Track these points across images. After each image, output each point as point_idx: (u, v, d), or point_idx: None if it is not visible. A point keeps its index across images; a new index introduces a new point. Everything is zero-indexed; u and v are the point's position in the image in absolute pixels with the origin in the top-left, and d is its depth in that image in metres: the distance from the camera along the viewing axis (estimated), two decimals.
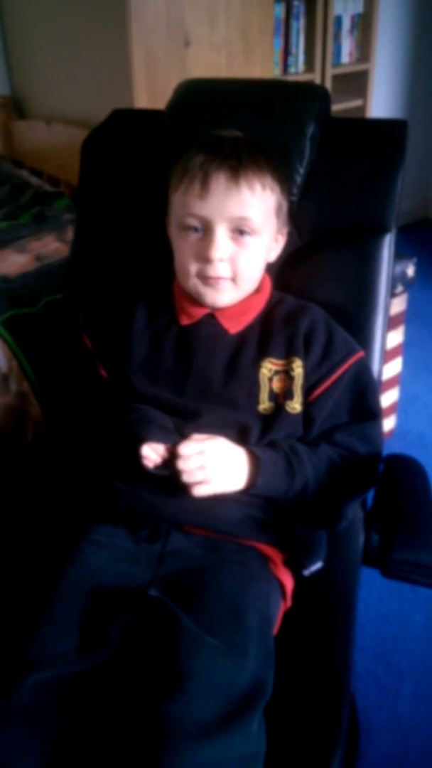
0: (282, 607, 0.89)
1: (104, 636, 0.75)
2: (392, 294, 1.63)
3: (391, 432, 2.01)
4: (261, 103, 1.12)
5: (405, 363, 1.95)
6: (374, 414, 0.95)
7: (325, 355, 0.93)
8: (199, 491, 0.81)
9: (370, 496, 0.97)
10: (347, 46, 2.63)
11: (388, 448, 0.97)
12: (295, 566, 0.90)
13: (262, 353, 0.93)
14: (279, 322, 0.95)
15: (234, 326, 0.95)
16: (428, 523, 0.88)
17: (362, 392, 0.95)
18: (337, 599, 0.93)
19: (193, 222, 0.89)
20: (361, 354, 0.96)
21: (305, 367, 0.92)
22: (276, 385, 0.91)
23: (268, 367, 0.92)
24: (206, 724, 0.67)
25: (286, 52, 2.44)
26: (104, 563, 0.83)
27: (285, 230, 0.99)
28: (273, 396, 0.91)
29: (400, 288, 1.78)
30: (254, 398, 0.90)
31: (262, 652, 0.76)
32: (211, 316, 0.95)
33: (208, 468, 0.81)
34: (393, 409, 1.98)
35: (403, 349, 1.92)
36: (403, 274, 1.77)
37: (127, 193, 1.18)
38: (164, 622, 0.75)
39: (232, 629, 0.76)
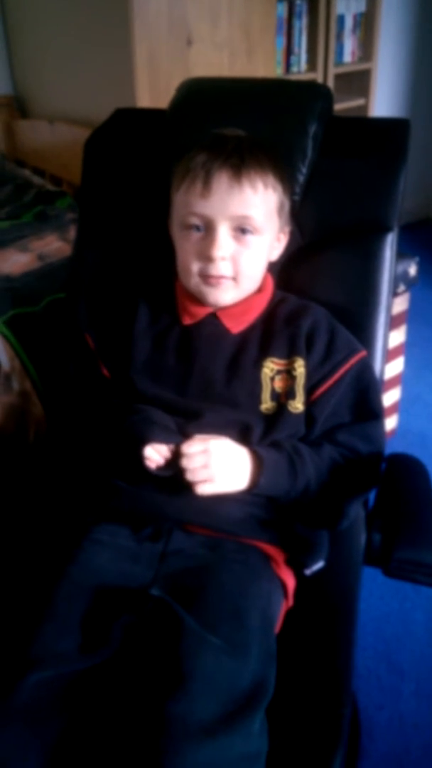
0: (284, 606, 0.89)
1: (106, 635, 0.75)
2: (394, 293, 1.63)
3: (393, 431, 2.00)
4: (263, 102, 1.12)
5: (407, 362, 1.95)
6: (376, 413, 0.95)
7: (327, 355, 0.93)
8: (203, 490, 0.81)
9: (371, 495, 0.97)
10: (350, 45, 2.63)
11: (390, 448, 0.97)
12: (296, 565, 0.90)
13: (264, 353, 0.93)
14: (281, 322, 0.95)
15: (236, 326, 0.95)
16: (430, 522, 0.88)
17: (364, 392, 0.94)
18: (339, 598, 0.93)
19: (195, 221, 0.89)
20: (363, 353, 0.96)
21: (307, 366, 0.92)
22: (278, 384, 0.91)
23: (270, 367, 0.92)
24: (208, 724, 0.68)
25: (289, 51, 2.44)
26: (106, 562, 0.84)
27: (287, 229, 0.99)
28: (275, 396, 0.91)
29: (402, 287, 1.78)
30: (256, 398, 0.91)
31: (263, 652, 0.77)
32: (214, 316, 0.95)
33: (212, 467, 0.81)
34: (395, 408, 1.98)
35: (405, 348, 1.92)
36: (405, 273, 1.77)
37: (130, 193, 1.18)
38: (166, 621, 0.75)
39: (234, 628, 0.76)
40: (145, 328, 0.96)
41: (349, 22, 2.58)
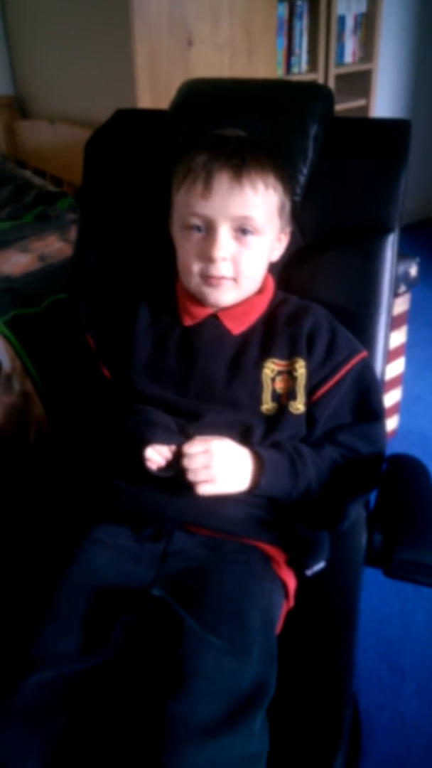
0: (285, 606, 0.89)
1: (107, 635, 0.75)
2: (395, 294, 1.63)
3: (394, 432, 2.00)
4: (264, 103, 1.12)
5: (408, 363, 1.95)
6: (377, 414, 0.95)
7: (328, 355, 0.93)
8: (204, 490, 0.81)
9: (372, 495, 0.97)
10: (350, 45, 2.63)
11: (391, 448, 0.97)
12: (297, 566, 0.90)
13: (265, 354, 0.93)
14: (282, 323, 0.95)
15: (237, 327, 0.95)
16: (431, 523, 0.88)
17: (365, 392, 0.94)
18: (340, 599, 0.93)
19: (196, 221, 0.89)
20: (364, 354, 0.96)
21: (308, 367, 0.92)
22: (279, 385, 0.91)
23: (271, 368, 0.92)
24: (209, 724, 0.68)
25: (290, 51, 2.44)
26: (107, 562, 0.84)
27: (288, 230, 0.99)
28: (276, 396, 0.91)
29: (403, 288, 1.78)
30: (257, 399, 0.91)
31: (264, 652, 0.77)
32: (214, 317, 0.95)
33: (213, 467, 0.81)
34: (396, 409, 1.98)
35: (406, 349, 1.92)
36: (406, 273, 1.77)
37: (131, 193, 1.18)
38: (167, 621, 0.75)
39: (235, 629, 0.76)
40: (146, 329, 0.96)
41: (349, 23, 2.58)
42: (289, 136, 1.06)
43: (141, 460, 0.83)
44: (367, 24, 2.63)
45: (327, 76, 2.52)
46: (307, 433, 0.92)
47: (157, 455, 0.83)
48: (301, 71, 2.49)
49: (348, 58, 2.64)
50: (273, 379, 0.91)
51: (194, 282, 0.92)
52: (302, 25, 2.42)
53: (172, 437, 0.85)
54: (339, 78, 2.59)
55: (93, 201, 1.23)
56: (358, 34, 2.64)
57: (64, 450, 1.10)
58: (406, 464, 0.99)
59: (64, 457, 1.08)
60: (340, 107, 2.45)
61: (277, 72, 2.33)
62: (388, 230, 1.07)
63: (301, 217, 1.08)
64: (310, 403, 0.92)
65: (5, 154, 2.50)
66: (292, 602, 0.90)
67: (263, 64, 2.10)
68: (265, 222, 0.90)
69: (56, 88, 2.32)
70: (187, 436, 0.85)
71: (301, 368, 0.91)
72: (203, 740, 0.67)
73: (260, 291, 0.97)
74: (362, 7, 2.60)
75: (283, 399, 0.91)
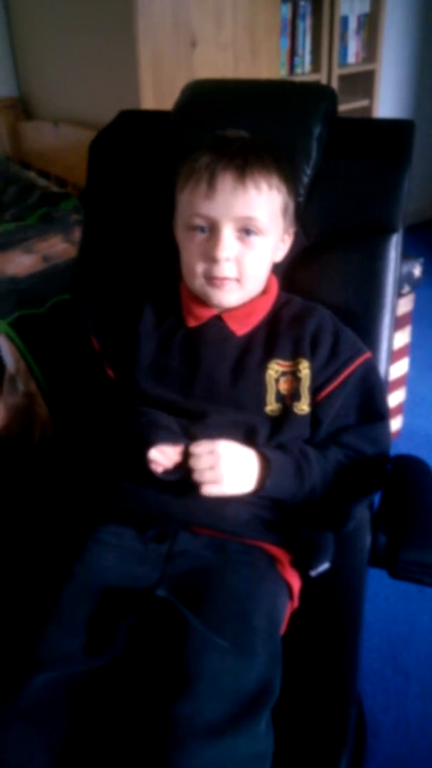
0: (289, 607, 0.89)
1: (111, 636, 0.75)
2: (399, 294, 1.63)
3: (398, 432, 2.00)
4: (268, 103, 1.12)
5: (411, 363, 1.95)
6: (382, 415, 0.95)
7: (332, 356, 0.93)
8: (209, 491, 0.81)
9: (377, 496, 0.97)
10: (354, 46, 2.63)
11: (395, 449, 0.97)
12: (302, 567, 0.90)
13: (269, 355, 0.93)
14: (285, 324, 0.95)
15: (241, 328, 0.95)
16: None
17: (370, 393, 0.94)
18: (344, 600, 0.92)
19: (200, 222, 0.89)
20: (368, 355, 0.96)
21: (312, 368, 0.92)
22: (283, 386, 0.91)
23: (275, 369, 0.92)
24: (214, 725, 0.68)
25: (293, 52, 2.44)
26: (112, 563, 0.84)
27: (291, 230, 0.99)
28: (280, 397, 0.91)
29: (406, 288, 1.78)
30: (261, 400, 0.91)
31: (269, 653, 0.77)
32: (218, 318, 0.95)
33: (219, 468, 0.81)
34: (400, 409, 1.98)
35: (410, 349, 1.91)
36: (410, 274, 1.77)
37: (135, 194, 1.18)
38: (172, 622, 0.75)
39: (239, 629, 0.76)
40: (150, 330, 0.97)
41: (353, 23, 2.58)
42: (292, 136, 1.06)
43: (145, 462, 0.83)
44: (370, 24, 2.63)
45: (330, 76, 2.52)
46: (311, 433, 0.92)
47: (161, 456, 0.83)
48: (304, 72, 2.49)
49: (351, 58, 2.64)
50: (277, 380, 0.91)
51: (198, 283, 0.92)
52: (305, 25, 2.42)
53: (176, 439, 0.85)
54: (342, 78, 2.59)
55: (97, 202, 1.23)
56: (362, 34, 2.64)
57: (69, 451, 1.11)
58: (411, 465, 0.98)
59: (68, 458, 1.08)
60: (343, 108, 2.45)
61: (280, 72, 2.33)
62: (391, 230, 1.07)
63: (305, 217, 1.08)
64: (314, 404, 0.92)
65: (9, 155, 2.50)
66: (296, 603, 0.90)
67: (266, 65, 2.10)
68: (268, 222, 0.90)
69: (60, 89, 2.32)
70: (191, 438, 0.85)
71: (305, 369, 0.91)
72: (208, 740, 0.67)
73: (264, 292, 0.97)
74: (365, 8, 2.60)
75: (288, 400, 0.91)
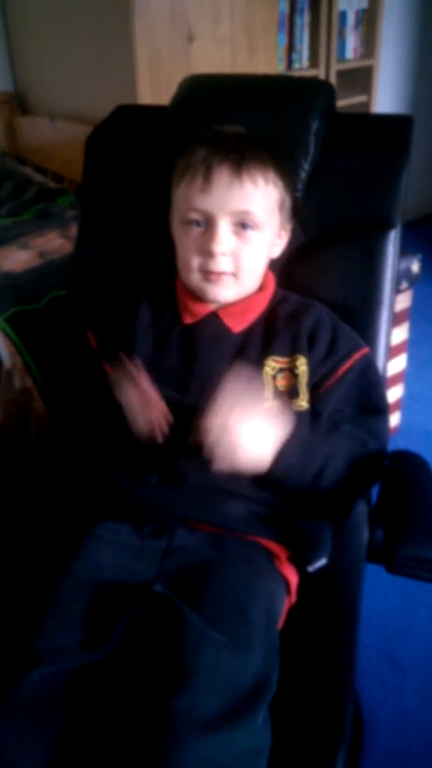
0: (287, 602, 0.89)
1: (108, 631, 0.75)
2: (397, 290, 1.63)
3: (396, 429, 2.00)
4: (265, 98, 1.12)
5: (409, 360, 1.95)
6: (380, 409, 0.95)
7: (330, 352, 0.93)
8: (220, 465, 0.78)
9: (374, 492, 0.97)
10: (352, 41, 2.62)
11: (393, 445, 0.97)
12: (299, 562, 0.90)
13: (266, 352, 0.92)
14: (282, 320, 0.94)
15: (237, 325, 0.94)
16: None
17: (368, 388, 0.94)
18: (342, 595, 0.92)
19: (196, 216, 0.89)
20: (366, 350, 0.96)
21: (309, 364, 0.92)
22: (280, 383, 0.91)
23: (272, 366, 0.92)
24: (211, 719, 0.68)
25: (291, 47, 2.43)
26: (109, 559, 0.84)
27: (288, 227, 0.99)
28: (278, 394, 0.91)
29: (404, 284, 1.78)
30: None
31: (266, 648, 0.77)
32: (215, 315, 0.95)
33: (232, 443, 0.77)
34: (398, 405, 1.98)
35: (408, 345, 1.91)
36: (408, 270, 1.77)
37: (131, 190, 1.18)
38: (169, 617, 0.75)
39: (237, 624, 0.76)
40: (147, 327, 0.96)
41: (351, 19, 2.58)
42: (290, 131, 1.06)
43: (132, 426, 0.82)
44: (369, 20, 2.63)
45: (328, 72, 2.52)
46: (311, 430, 0.92)
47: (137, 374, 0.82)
48: (302, 67, 2.49)
49: (349, 54, 2.64)
50: (274, 377, 0.91)
51: (194, 277, 0.91)
52: (303, 20, 2.42)
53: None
54: (340, 74, 2.59)
55: (93, 197, 1.23)
56: (360, 30, 2.63)
57: (65, 447, 1.10)
58: (408, 460, 0.98)
59: (64, 454, 1.08)
60: (341, 103, 2.43)
61: (278, 68, 2.33)
62: (389, 226, 1.06)
63: (303, 213, 1.07)
64: (313, 400, 0.92)
65: (5, 150, 2.49)
66: (294, 598, 0.90)
67: (264, 60, 2.10)
68: (265, 217, 0.89)
69: (56, 84, 2.31)
70: (192, 433, 0.84)
71: (302, 365, 0.91)
72: (205, 735, 0.67)
73: (260, 288, 0.96)
74: (363, 3, 2.59)
75: (286, 397, 0.91)
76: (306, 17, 2.42)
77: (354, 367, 0.93)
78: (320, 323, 0.94)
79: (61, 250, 1.64)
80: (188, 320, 0.95)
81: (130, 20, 1.79)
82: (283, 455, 0.82)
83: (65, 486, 0.98)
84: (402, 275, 1.74)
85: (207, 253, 0.88)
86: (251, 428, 0.79)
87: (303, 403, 0.91)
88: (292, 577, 0.90)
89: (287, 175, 0.95)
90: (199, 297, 0.94)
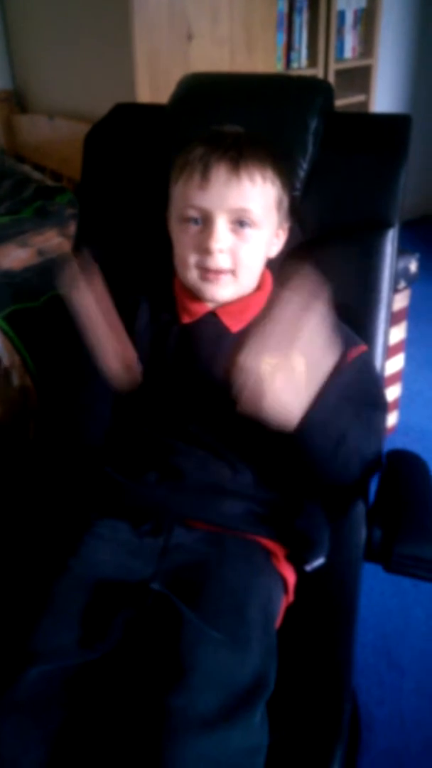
0: (284, 601, 0.89)
1: (106, 629, 0.75)
2: (395, 290, 1.63)
3: (394, 428, 2.01)
4: (264, 97, 1.12)
5: (407, 359, 1.95)
6: (378, 404, 0.94)
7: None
8: (245, 408, 0.75)
9: (372, 491, 0.98)
10: (350, 41, 2.62)
11: (390, 444, 0.97)
12: (297, 561, 0.90)
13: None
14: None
15: (235, 324, 0.94)
16: (430, 518, 0.88)
17: (366, 384, 0.94)
18: (339, 594, 0.93)
19: (193, 213, 0.88)
20: (363, 348, 0.96)
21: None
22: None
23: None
24: (208, 717, 0.68)
25: (289, 47, 2.43)
26: (107, 556, 0.84)
27: (286, 226, 0.99)
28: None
29: (402, 284, 1.78)
30: None
31: (264, 646, 0.77)
32: (213, 314, 0.94)
33: (262, 389, 0.74)
34: (395, 404, 1.99)
35: (406, 345, 1.92)
36: (406, 269, 1.77)
37: (130, 188, 1.18)
38: (167, 615, 0.75)
39: (234, 623, 0.76)
40: (145, 326, 0.96)
41: (349, 18, 2.58)
42: (288, 130, 1.06)
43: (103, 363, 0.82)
44: (367, 19, 2.63)
45: (327, 71, 2.52)
46: None
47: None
48: (300, 66, 2.49)
49: (348, 53, 2.64)
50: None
51: (191, 275, 0.91)
52: (302, 20, 2.42)
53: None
54: (339, 73, 2.58)
55: (92, 196, 1.23)
56: (358, 29, 2.63)
57: (62, 445, 1.10)
58: (406, 460, 0.99)
59: (61, 453, 1.08)
60: (339, 103, 2.44)
61: (276, 67, 2.33)
62: (387, 225, 1.06)
63: (301, 212, 1.07)
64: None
65: (4, 148, 2.49)
66: (291, 597, 0.90)
67: (263, 59, 2.10)
68: (262, 215, 0.89)
69: (55, 83, 2.31)
70: (189, 435, 0.84)
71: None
72: (202, 732, 0.67)
73: (258, 288, 0.96)
74: (362, 3, 2.59)
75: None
76: (305, 16, 2.42)
77: (352, 363, 0.93)
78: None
79: (59, 248, 1.64)
80: (186, 320, 0.95)
81: (129, 19, 1.79)
82: (309, 410, 0.77)
83: (63, 484, 0.98)
84: (400, 275, 1.74)
85: (204, 251, 0.88)
86: (284, 377, 0.75)
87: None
88: (290, 576, 0.90)
89: (285, 173, 0.95)
90: (197, 296, 0.94)
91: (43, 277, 1.51)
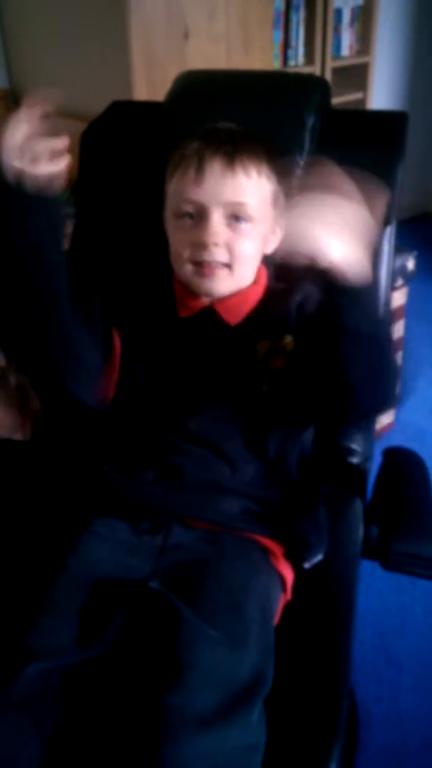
0: (282, 599, 0.89)
1: (104, 627, 0.75)
2: (392, 288, 1.63)
3: (391, 425, 2.01)
4: (261, 95, 1.11)
5: (405, 357, 1.95)
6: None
7: (320, 306, 0.89)
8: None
9: (369, 488, 0.98)
10: (347, 38, 2.62)
11: (388, 441, 0.97)
12: (295, 559, 0.90)
13: (258, 337, 0.92)
14: (274, 306, 0.94)
15: (233, 317, 0.94)
16: (428, 515, 0.88)
17: None
18: (337, 592, 0.93)
19: (188, 208, 0.88)
20: None
21: (296, 338, 0.90)
22: (274, 363, 0.91)
23: (264, 349, 0.91)
24: (205, 715, 0.68)
25: (286, 44, 2.43)
26: (105, 555, 0.84)
27: (282, 222, 0.98)
28: (273, 375, 0.90)
29: (400, 282, 1.78)
30: (255, 382, 0.90)
31: (262, 644, 0.77)
32: (210, 308, 0.94)
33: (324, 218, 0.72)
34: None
35: (404, 343, 1.92)
36: (404, 267, 1.77)
37: (127, 186, 1.18)
38: (165, 613, 0.75)
39: (232, 621, 0.76)
40: (144, 322, 0.96)
41: (346, 16, 2.57)
42: (286, 128, 1.06)
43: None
44: (364, 16, 2.62)
45: (324, 69, 2.51)
46: None
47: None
48: (297, 64, 2.48)
49: (345, 51, 2.63)
50: (267, 360, 0.91)
51: (186, 270, 0.90)
52: (299, 17, 2.41)
53: None
54: (336, 71, 2.58)
55: (88, 194, 1.23)
56: (355, 26, 2.63)
57: (61, 444, 1.10)
58: (404, 457, 0.99)
59: (60, 451, 1.08)
60: (336, 100, 2.44)
61: (273, 65, 2.32)
62: (384, 223, 1.06)
63: None
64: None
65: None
66: (289, 595, 0.90)
67: (260, 57, 2.10)
68: (258, 210, 0.89)
69: (52, 81, 2.30)
70: (190, 430, 0.84)
71: (291, 343, 0.91)
72: (199, 730, 0.67)
73: (254, 282, 0.96)
74: (359, 0, 2.59)
75: (281, 377, 0.90)
76: (301, 14, 2.42)
77: None
78: (308, 297, 0.91)
79: None
80: (184, 314, 0.95)
81: (126, 17, 1.79)
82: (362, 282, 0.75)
83: (62, 483, 0.98)
84: (397, 272, 1.74)
85: (199, 245, 0.87)
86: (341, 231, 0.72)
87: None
88: (288, 574, 0.90)
89: (281, 169, 0.94)
90: (194, 291, 0.94)
91: None
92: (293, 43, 2.44)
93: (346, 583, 0.94)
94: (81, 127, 1.25)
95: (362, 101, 2.70)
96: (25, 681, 0.71)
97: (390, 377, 0.85)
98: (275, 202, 0.92)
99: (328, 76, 2.51)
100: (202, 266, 0.89)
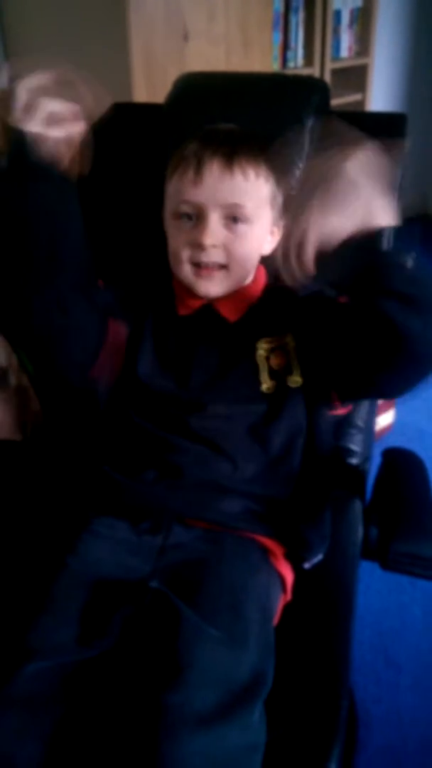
0: (282, 599, 0.89)
1: (104, 626, 0.75)
2: None
3: (390, 426, 2.01)
4: (260, 96, 1.12)
5: None
6: None
7: (318, 300, 0.89)
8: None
9: (369, 489, 0.98)
10: (346, 40, 2.62)
11: (387, 442, 0.98)
12: (295, 559, 0.91)
13: (258, 335, 0.92)
14: (274, 304, 0.94)
15: (233, 314, 0.94)
16: (427, 515, 0.88)
17: None
18: (337, 592, 0.93)
19: (187, 209, 0.88)
20: None
21: (297, 337, 0.91)
22: (274, 362, 0.91)
23: (264, 347, 0.92)
24: (205, 714, 0.68)
25: (285, 46, 2.43)
26: (105, 554, 0.84)
27: (281, 224, 0.98)
28: (273, 374, 0.91)
29: None
30: (255, 380, 0.90)
31: (262, 644, 0.77)
32: (210, 306, 0.95)
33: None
34: (392, 403, 1.99)
35: None
36: None
37: (126, 188, 1.18)
38: (165, 613, 0.76)
39: (232, 621, 0.76)
40: (145, 322, 0.96)
41: (345, 17, 2.58)
42: (285, 129, 1.06)
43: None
44: (363, 18, 2.63)
45: (323, 70, 2.52)
46: None
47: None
48: (297, 66, 2.48)
49: (344, 52, 2.64)
50: (268, 358, 0.91)
51: (184, 271, 0.90)
52: (298, 19, 2.42)
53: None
54: (335, 72, 2.58)
55: (88, 195, 1.23)
56: (354, 28, 2.63)
57: (61, 443, 1.10)
58: (403, 458, 0.99)
59: (60, 451, 1.08)
60: (336, 102, 2.44)
61: (272, 66, 2.33)
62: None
63: None
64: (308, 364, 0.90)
65: (1, 149, 2.49)
66: (289, 595, 0.90)
67: (259, 59, 2.10)
68: (255, 211, 0.89)
69: None
70: (191, 429, 0.84)
71: (291, 341, 0.91)
72: (199, 729, 0.67)
73: (252, 281, 0.97)
74: (358, 2, 2.60)
75: (281, 375, 0.90)
76: (301, 15, 2.42)
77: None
78: (309, 298, 0.93)
79: None
80: (183, 312, 0.95)
81: (126, 18, 1.79)
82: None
83: (62, 483, 0.98)
84: None
85: (197, 246, 0.88)
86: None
87: (297, 378, 0.90)
88: (288, 574, 0.90)
89: (279, 170, 0.95)
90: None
91: None
92: (292, 44, 2.44)
93: (345, 583, 0.94)
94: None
95: (361, 103, 2.70)
96: (25, 680, 0.71)
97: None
98: (273, 203, 0.93)
99: (328, 77, 2.52)
100: (199, 267, 0.89)
